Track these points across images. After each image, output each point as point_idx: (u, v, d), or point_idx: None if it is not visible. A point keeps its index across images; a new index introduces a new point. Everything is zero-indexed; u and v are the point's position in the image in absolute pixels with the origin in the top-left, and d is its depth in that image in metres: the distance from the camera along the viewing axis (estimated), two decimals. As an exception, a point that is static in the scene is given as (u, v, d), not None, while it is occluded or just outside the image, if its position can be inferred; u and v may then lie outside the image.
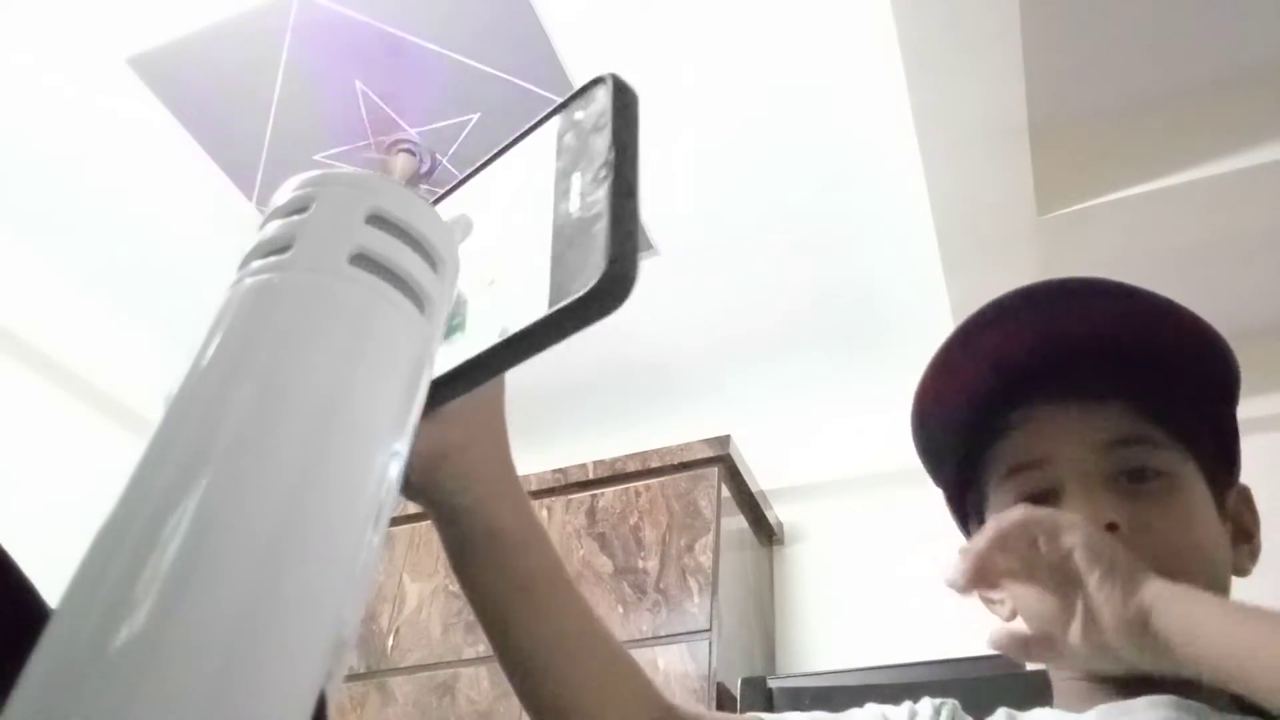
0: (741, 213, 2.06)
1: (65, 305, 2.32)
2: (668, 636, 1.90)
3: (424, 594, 2.15)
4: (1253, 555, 0.67)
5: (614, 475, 2.17)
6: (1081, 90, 1.88)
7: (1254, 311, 2.18)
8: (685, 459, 2.12)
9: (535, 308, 0.35)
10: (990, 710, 0.66)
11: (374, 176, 0.34)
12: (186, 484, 0.26)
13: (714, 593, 1.93)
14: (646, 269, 2.18)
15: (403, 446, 0.31)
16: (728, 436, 2.13)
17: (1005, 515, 0.55)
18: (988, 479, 0.68)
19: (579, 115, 0.39)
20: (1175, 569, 0.58)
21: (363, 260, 0.32)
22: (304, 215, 0.33)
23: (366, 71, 1.83)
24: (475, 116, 1.89)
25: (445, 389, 0.38)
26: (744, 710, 1.64)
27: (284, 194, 0.34)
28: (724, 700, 1.79)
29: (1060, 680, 0.65)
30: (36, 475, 2.22)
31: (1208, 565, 0.62)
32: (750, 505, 2.28)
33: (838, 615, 2.26)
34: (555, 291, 0.35)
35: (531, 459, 2.43)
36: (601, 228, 0.34)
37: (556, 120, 0.40)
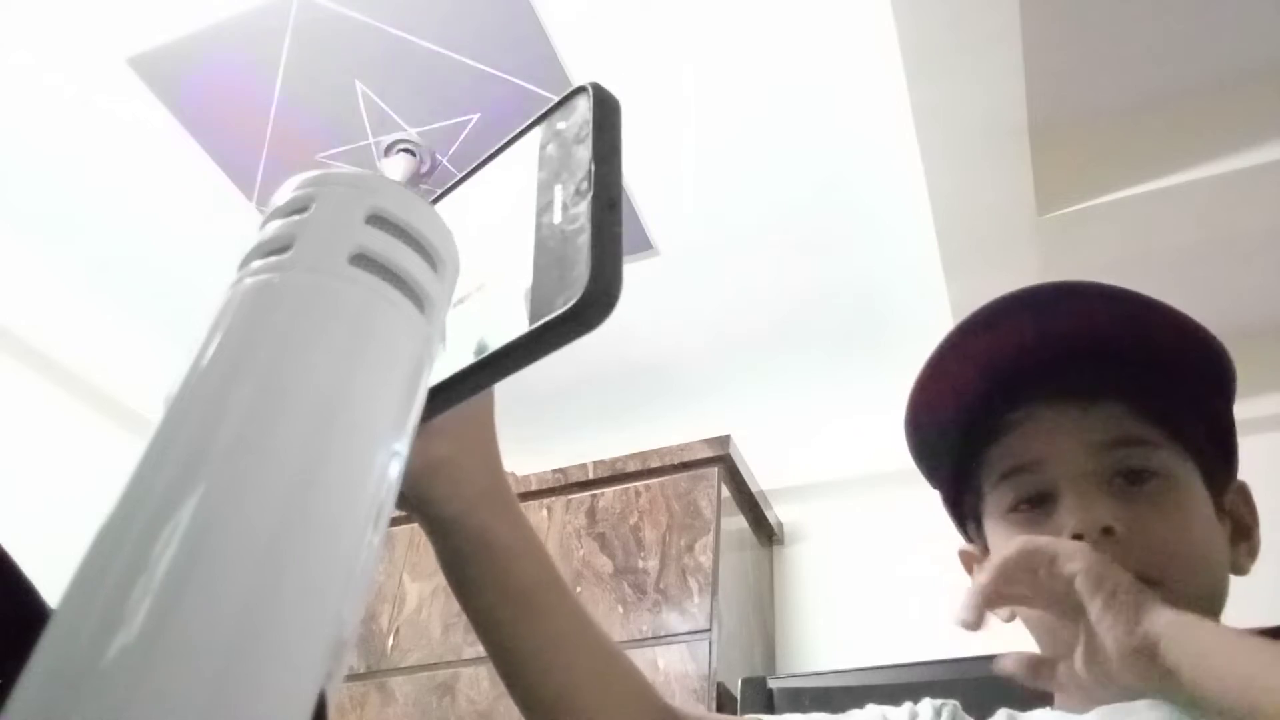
0: (741, 213, 2.06)
1: (65, 305, 2.32)
2: (668, 636, 1.90)
3: (424, 594, 2.15)
4: (1251, 553, 0.67)
5: (614, 475, 2.17)
6: (1081, 90, 1.88)
7: (1254, 311, 2.18)
8: (685, 459, 2.12)
9: (516, 324, 0.35)
10: (991, 710, 0.66)
11: (374, 176, 0.34)
12: (186, 484, 0.26)
13: (714, 593, 1.93)
14: (646, 269, 2.18)
15: (403, 446, 0.32)
16: (728, 436, 2.13)
17: (1006, 547, 0.54)
18: (984, 481, 0.68)
19: (561, 126, 0.38)
20: (1173, 571, 0.59)
21: (363, 260, 0.32)
22: (304, 215, 0.33)
23: (366, 71, 1.83)
24: (475, 116, 1.89)
25: (427, 405, 0.37)
26: (744, 712, 1.64)
27: (284, 194, 0.34)
28: (724, 700, 1.79)
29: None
30: (36, 475, 2.22)
31: (1205, 566, 0.61)
32: (750, 505, 2.28)
33: (838, 615, 2.26)
34: (536, 307, 0.35)
35: (531, 459, 2.43)
36: (584, 242, 0.34)
37: (539, 131, 0.40)
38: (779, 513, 2.41)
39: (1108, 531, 0.59)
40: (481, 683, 1.96)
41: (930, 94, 1.65)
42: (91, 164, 2.03)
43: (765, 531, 2.37)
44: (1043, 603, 0.54)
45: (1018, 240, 1.89)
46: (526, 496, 2.23)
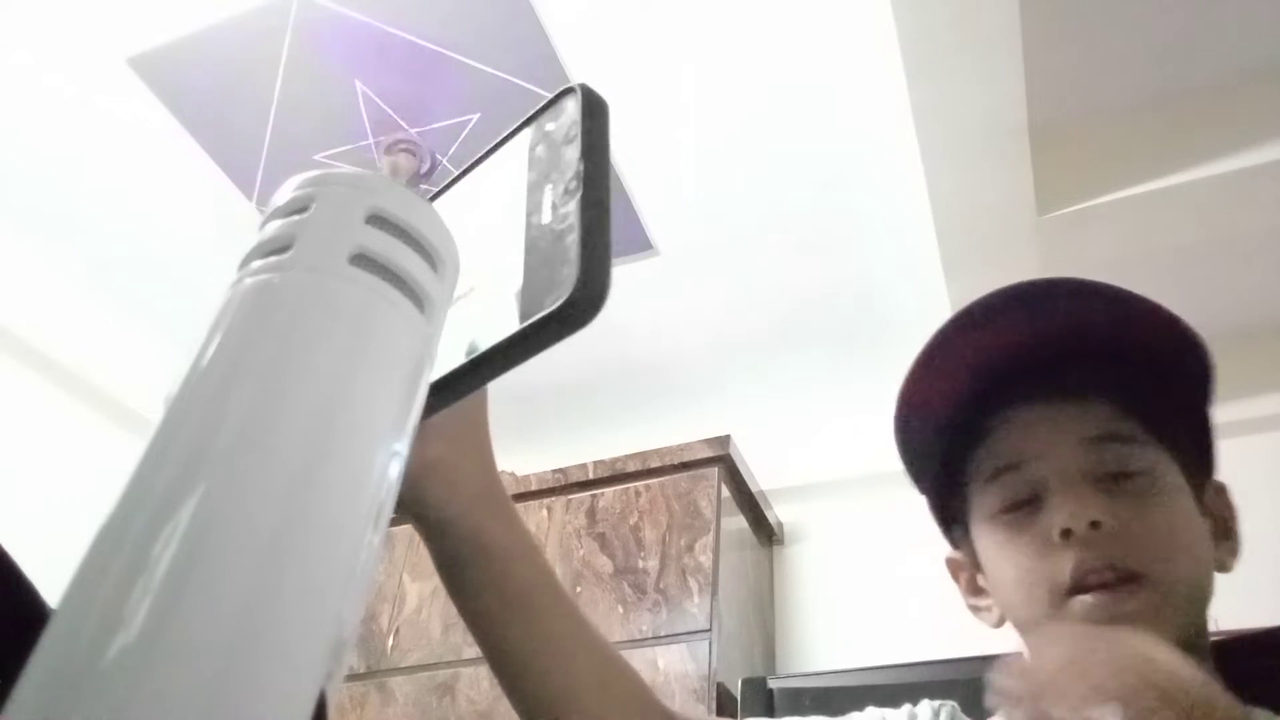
0: (741, 213, 2.06)
1: (65, 305, 2.32)
2: (668, 636, 1.90)
3: (424, 594, 2.15)
4: (1233, 551, 0.67)
5: (614, 475, 2.17)
6: (1081, 90, 1.88)
7: (1254, 311, 2.18)
8: (685, 459, 2.12)
9: (506, 324, 0.35)
10: (979, 713, 0.66)
11: (374, 176, 0.34)
12: (186, 484, 0.26)
13: (714, 593, 1.93)
14: (646, 269, 2.18)
15: (403, 446, 0.32)
16: (728, 436, 2.13)
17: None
18: (971, 482, 0.68)
19: (550, 127, 0.38)
20: (1159, 567, 0.59)
21: (363, 260, 0.32)
22: (304, 215, 0.33)
23: (366, 71, 1.83)
24: (475, 116, 1.89)
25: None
26: (744, 713, 1.64)
27: (284, 194, 0.34)
28: (724, 700, 1.79)
29: None
30: (36, 475, 2.22)
31: (1191, 563, 0.62)
32: (750, 505, 2.28)
33: (838, 615, 2.26)
34: (526, 307, 0.35)
35: (531, 459, 2.43)
36: (572, 241, 0.34)
37: (528, 132, 0.40)
38: (779, 513, 2.41)
39: (1095, 526, 0.59)
40: (481, 683, 1.96)
41: (930, 94, 1.65)
42: (91, 164, 2.03)
43: (765, 531, 2.37)
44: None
45: (1018, 240, 1.89)
46: (526, 496, 2.23)
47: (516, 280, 0.36)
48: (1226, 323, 2.21)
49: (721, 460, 2.12)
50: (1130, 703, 0.45)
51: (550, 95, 0.39)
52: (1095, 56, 1.82)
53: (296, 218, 0.33)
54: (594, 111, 0.37)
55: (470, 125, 1.91)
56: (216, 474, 0.26)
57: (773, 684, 1.68)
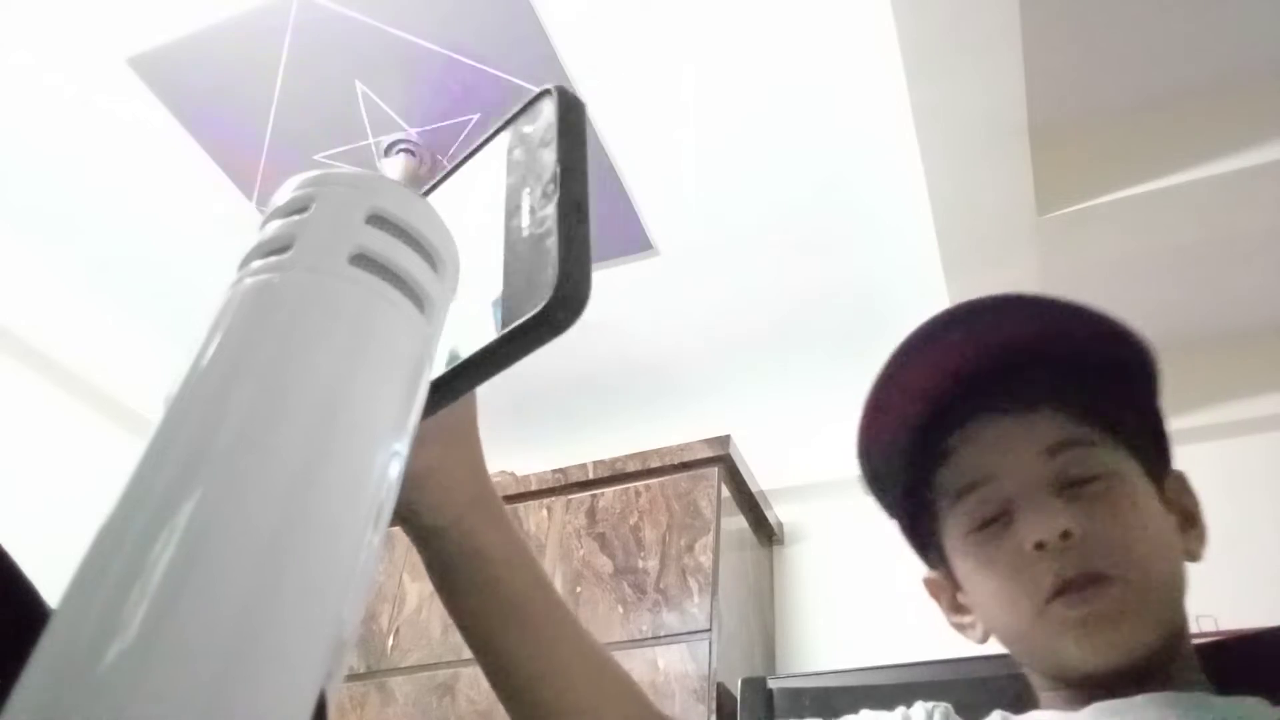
0: (741, 213, 2.06)
1: (65, 305, 2.32)
2: (668, 636, 1.90)
3: (424, 594, 2.15)
4: (1200, 539, 0.68)
5: (614, 475, 2.17)
6: (1081, 90, 1.88)
7: (1254, 311, 2.18)
8: (685, 459, 2.12)
9: (487, 330, 0.35)
10: (986, 711, 0.66)
11: (374, 176, 0.34)
12: (186, 484, 0.26)
13: (714, 593, 1.93)
14: (646, 269, 2.18)
15: (403, 446, 0.32)
16: (728, 436, 2.13)
17: None
18: (938, 503, 0.69)
19: (527, 129, 0.38)
20: (1129, 566, 0.60)
21: (363, 260, 0.32)
22: (304, 215, 0.33)
23: (366, 71, 1.83)
24: (475, 116, 1.89)
25: None
26: (744, 713, 1.64)
27: (284, 194, 0.34)
28: (724, 700, 1.79)
29: (1044, 691, 0.66)
30: (36, 475, 2.22)
31: (1160, 557, 0.62)
32: (750, 505, 2.28)
33: (838, 615, 2.26)
34: (507, 313, 0.35)
35: (531, 459, 2.43)
36: (551, 244, 0.34)
37: (506, 135, 0.40)
38: (779, 513, 2.41)
39: (1066, 535, 0.60)
40: (481, 683, 1.95)
41: (930, 94, 1.65)
42: (91, 164, 2.03)
43: (765, 531, 2.37)
44: None
45: (1018, 240, 1.89)
46: (526, 496, 2.23)
47: (497, 285, 0.36)
48: (1226, 323, 2.22)
49: (721, 460, 2.12)
50: None
51: (527, 98, 0.39)
52: (1095, 56, 1.82)
53: (296, 218, 0.33)
54: (570, 113, 0.37)
55: (470, 125, 1.91)
56: (216, 474, 0.26)
57: (773, 684, 1.68)
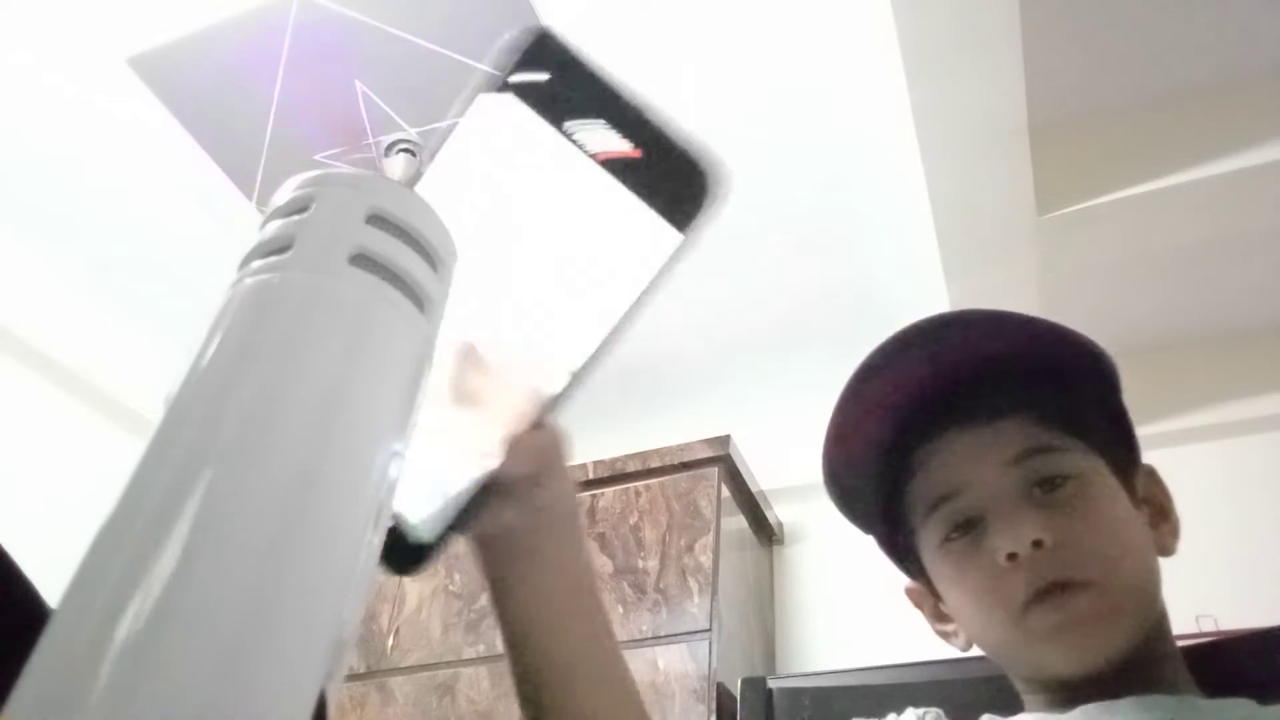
0: (741, 212, 2.06)
1: (65, 305, 2.32)
2: (668, 636, 1.90)
3: (424, 594, 2.15)
4: (1173, 533, 0.68)
5: (614, 475, 2.17)
6: (1081, 90, 1.88)
7: (1254, 311, 2.18)
8: (685, 459, 2.12)
9: (661, 236, 0.38)
10: (979, 714, 0.66)
11: (374, 176, 0.35)
12: (186, 484, 0.26)
13: (714, 593, 1.93)
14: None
15: (403, 447, 0.32)
16: (728, 436, 2.13)
17: None
18: (912, 517, 0.69)
19: (518, 78, 0.40)
20: (1102, 569, 0.60)
21: (362, 260, 0.32)
22: (304, 215, 0.33)
23: (366, 71, 1.83)
24: (475, 116, 1.89)
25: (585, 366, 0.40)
26: (744, 713, 1.64)
27: (284, 194, 0.34)
28: (724, 700, 1.79)
29: (1027, 695, 0.66)
30: (36, 475, 2.22)
31: (1131, 557, 0.63)
32: (750, 505, 2.28)
33: (838, 615, 2.26)
34: (671, 216, 0.38)
35: (531, 459, 2.42)
36: (674, 146, 0.37)
37: (494, 96, 0.41)
38: (779, 513, 2.40)
39: (1037, 544, 0.61)
40: (481, 683, 1.96)
41: (930, 94, 1.65)
42: (91, 164, 2.03)
43: (765, 531, 2.37)
44: None
45: (1018, 240, 1.89)
46: (526, 496, 2.23)
47: (633, 204, 0.38)
48: (1226, 323, 2.22)
49: (721, 460, 2.12)
50: None
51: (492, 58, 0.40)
52: (1095, 56, 1.82)
53: (296, 218, 0.33)
54: (553, 43, 0.39)
55: (470, 125, 1.91)
56: (216, 475, 0.26)
57: (772, 684, 1.68)
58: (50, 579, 0.29)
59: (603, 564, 2.06)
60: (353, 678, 2.07)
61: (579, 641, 0.53)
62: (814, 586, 2.34)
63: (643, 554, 2.04)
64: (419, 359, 0.33)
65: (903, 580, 0.77)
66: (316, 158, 1.97)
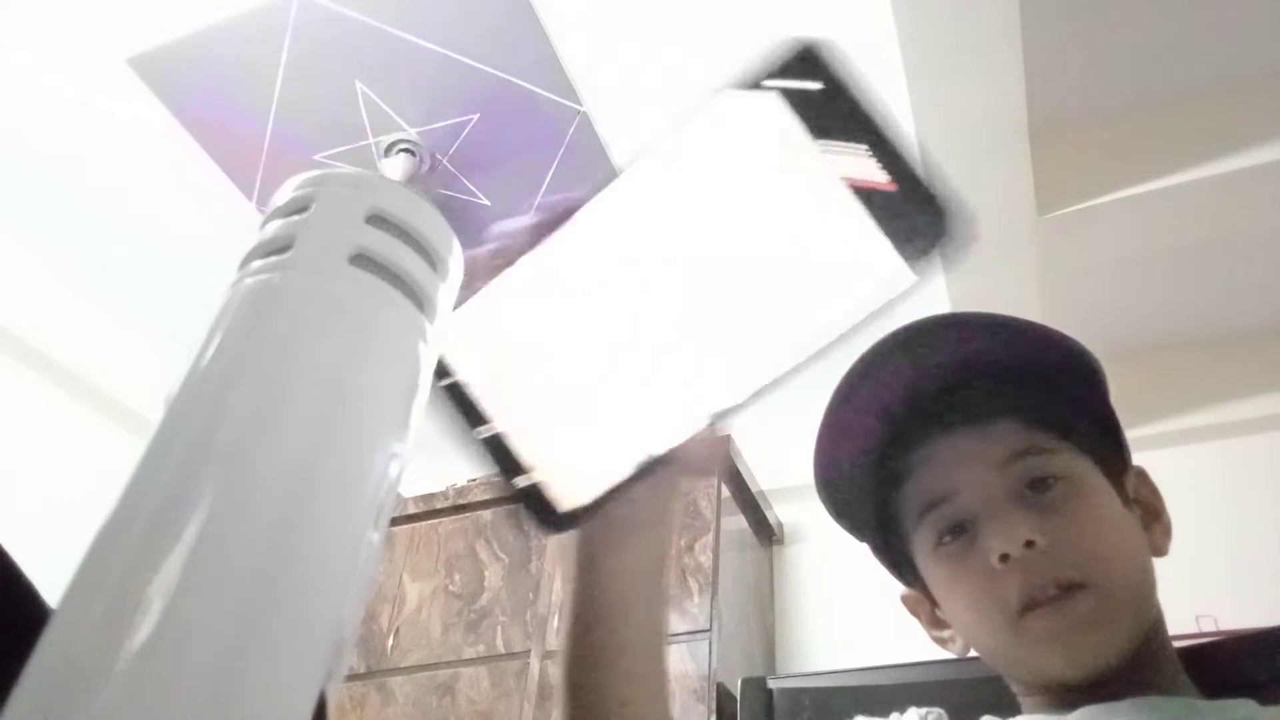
0: (741, 213, 2.06)
1: (65, 305, 2.32)
2: (668, 636, 1.90)
3: (424, 594, 2.15)
4: (1166, 533, 0.68)
5: (614, 475, 2.17)
6: (1081, 90, 1.88)
7: (1254, 311, 2.18)
8: (685, 459, 2.12)
9: (895, 273, 0.38)
10: (979, 716, 0.66)
11: (374, 176, 0.35)
12: (186, 485, 0.26)
13: (714, 593, 1.93)
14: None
15: (403, 447, 0.31)
16: (728, 436, 2.13)
17: None
18: (905, 521, 0.70)
19: (794, 86, 0.40)
20: (1096, 569, 0.60)
21: (363, 260, 0.32)
22: (304, 215, 0.33)
23: (366, 71, 1.83)
24: (475, 116, 1.89)
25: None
26: (744, 713, 1.64)
27: (284, 194, 0.34)
28: (724, 700, 1.79)
29: (1024, 697, 0.66)
30: (36, 475, 2.22)
31: (1125, 557, 0.63)
32: (750, 505, 2.28)
33: (838, 615, 2.26)
34: (908, 255, 0.38)
35: (531, 459, 2.42)
36: (917, 183, 0.39)
37: (771, 101, 0.40)
38: (779, 513, 2.40)
39: (1030, 545, 0.60)
40: (481, 683, 1.96)
41: (930, 94, 1.65)
42: (91, 164, 2.03)
43: (765, 531, 2.37)
44: None
45: (1018, 240, 1.89)
46: (526, 496, 2.23)
47: (870, 230, 0.39)
48: (1226, 323, 2.21)
49: (721, 460, 2.11)
50: None
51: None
52: (1095, 56, 1.82)
53: (296, 218, 0.33)
54: (835, 62, 0.40)
55: (470, 125, 1.91)
56: (216, 475, 0.26)
57: (772, 684, 1.68)
58: (50, 579, 0.29)
59: (603, 564, 2.06)
60: (353, 678, 2.07)
61: (655, 622, 0.56)
62: (814, 586, 2.34)
63: (643, 554, 2.04)
64: (419, 359, 0.33)
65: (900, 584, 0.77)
66: (316, 158, 1.97)
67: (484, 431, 0.43)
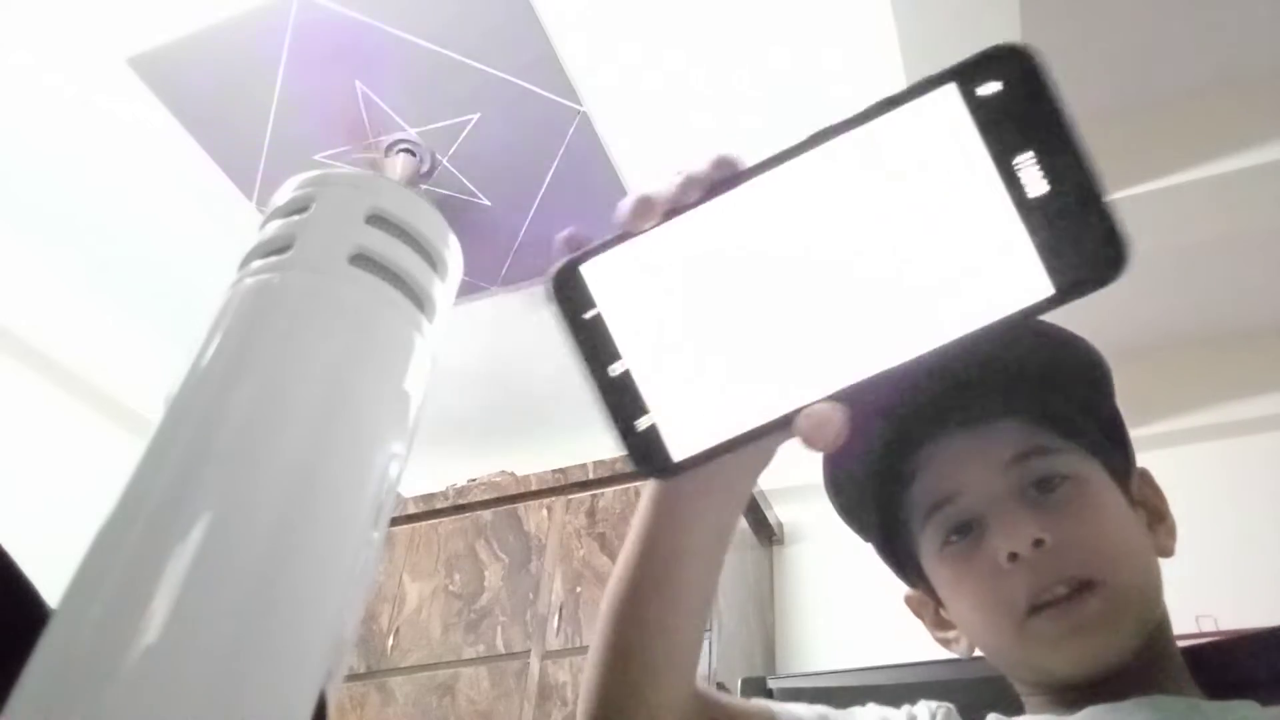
0: (741, 213, 2.06)
1: (65, 305, 2.32)
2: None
3: (424, 594, 2.15)
4: (1170, 534, 0.68)
5: (614, 475, 2.17)
6: (1081, 90, 1.88)
7: (1254, 311, 2.18)
8: (685, 459, 2.12)
9: (1032, 288, 0.38)
10: (984, 714, 0.66)
11: (374, 176, 0.35)
12: (187, 485, 0.26)
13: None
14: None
15: (402, 447, 0.31)
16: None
17: None
18: (911, 522, 0.69)
19: (983, 91, 0.39)
20: (1104, 568, 0.60)
21: (363, 260, 0.32)
22: (304, 215, 0.33)
23: (366, 71, 1.83)
24: (475, 116, 1.89)
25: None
26: (744, 710, 1.64)
27: (284, 194, 0.34)
28: (724, 700, 1.79)
29: (1029, 697, 0.66)
30: (36, 475, 2.22)
31: (1132, 557, 0.63)
32: (750, 505, 2.28)
33: (838, 615, 2.26)
34: (1057, 276, 0.38)
35: (531, 459, 2.43)
36: (1091, 210, 0.38)
37: (952, 94, 0.40)
38: (779, 513, 2.40)
39: (1038, 543, 0.60)
40: (481, 683, 1.96)
41: (930, 94, 1.65)
42: (91, 164, 2.03)
43: (765, 531, 2.37)
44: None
45: (1018, 240, 1.89)
46: (526, 496, 2.23)
47: (1023, 246, 0.38)
48: (1226, 323, 2.21)
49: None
50: None
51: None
52: (1095, 56, 1.82)
53: (297, 218, 0.33)
54: (1043, 72, 0.39)
55: (470, 125, 1.91)
56: (216, 475, 0.26)
57: (772, 684, 1.68)
58: (50, 579, 0.29)
59: (603, 564, 2.06)
60: (353, 678, 2.07)
61: (707, 586, 0.55)
62: (814, 586, 2.34)
63: (643, 554, 2.04)
64: (419, 359, 0.33)
65: (902, 584, 0.76)
66: (316, 158, 1.97)
67: (617, 368, 0.43)
